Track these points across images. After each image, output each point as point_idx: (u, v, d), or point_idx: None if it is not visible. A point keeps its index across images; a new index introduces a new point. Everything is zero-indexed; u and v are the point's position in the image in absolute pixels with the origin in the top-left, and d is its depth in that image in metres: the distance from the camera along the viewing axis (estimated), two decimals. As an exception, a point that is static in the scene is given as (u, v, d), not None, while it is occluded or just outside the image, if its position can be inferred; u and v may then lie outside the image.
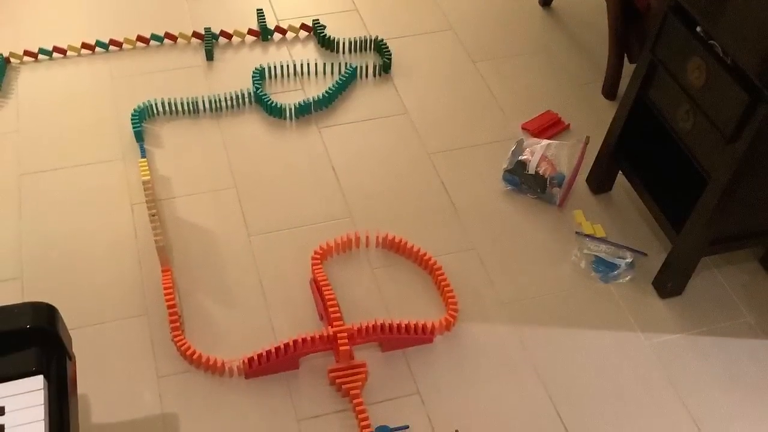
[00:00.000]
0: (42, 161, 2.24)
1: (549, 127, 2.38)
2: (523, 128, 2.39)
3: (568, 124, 2.41)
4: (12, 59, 2.52)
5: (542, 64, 2.61)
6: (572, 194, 2.20)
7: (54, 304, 1.32)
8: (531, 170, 2.16)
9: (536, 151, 2.20)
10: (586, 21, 2.77)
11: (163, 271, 1.95)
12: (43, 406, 1.21)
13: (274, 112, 2.38)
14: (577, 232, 2.11)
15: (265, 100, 2.38)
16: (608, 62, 2.47)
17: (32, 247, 2.03)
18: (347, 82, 2.49)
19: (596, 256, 2.04)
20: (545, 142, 2.23)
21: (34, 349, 1.27)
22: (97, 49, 2.57)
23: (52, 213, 2.11)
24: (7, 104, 2.39)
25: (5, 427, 1.18)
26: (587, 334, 1.90)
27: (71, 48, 2.55)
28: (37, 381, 1.24)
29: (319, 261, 1.98)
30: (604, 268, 2.02)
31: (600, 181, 2.21)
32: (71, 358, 1.35)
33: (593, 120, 2.41)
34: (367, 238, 2.07)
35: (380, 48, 2.59)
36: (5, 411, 1.20)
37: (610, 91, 2.49)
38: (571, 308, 1.95)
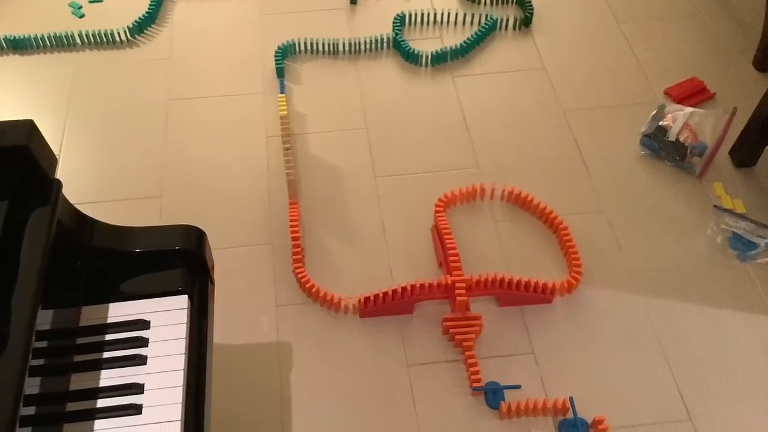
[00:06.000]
0: (189, 89, 2.14)
1: (693, 94, 2.08)
2: (665, 93, 2.09)
3: (714, 93, 2.09)
4: (170, -9, 2.44)
5: (690, 28, 2.29)
6: (713, 166, 1.91)
7: (189, 225, 1.22)
8: (672, 137, 1.89)
9: (678, 118, 1.92)
10: (742, -13, 2.42)
11: (290, 204, 1.82)
12: (185, 324, 1.15)
13: (411, 58, 2.19)
14: (715, 206, 1.83)
15: (404, 46, 2.19)
16: (763, 32, 2.13)
17: (173, 169, 1.94)
18: (486, 33, 2.25)
19: (734, 232, 1.76)
20: (689, 109, 1.95)
21: (182, 269, 1.20)
22: (249, -14, 2.45)
23: (194, 139, 2.01)
24: (162, 33, 2.30)
25: (149, 340, 1.13)
26: (718, 313, 1.64)
27: (225, -16, 2.44)
28: (182, 300, 1.17)
29: (443, 209, 1.80)
30: (742, 245, 1.74)
31: (744, 155, 1.91)
32: (212, 282, 1.27)
33: (741, 91, 2.09)
34: (493, 190, 1.87)
35: (523, 2, 2.34)
36: (150, 325, 1.15)
37: (762, 62, 2.15)
38: (703, 284, 1.69)
